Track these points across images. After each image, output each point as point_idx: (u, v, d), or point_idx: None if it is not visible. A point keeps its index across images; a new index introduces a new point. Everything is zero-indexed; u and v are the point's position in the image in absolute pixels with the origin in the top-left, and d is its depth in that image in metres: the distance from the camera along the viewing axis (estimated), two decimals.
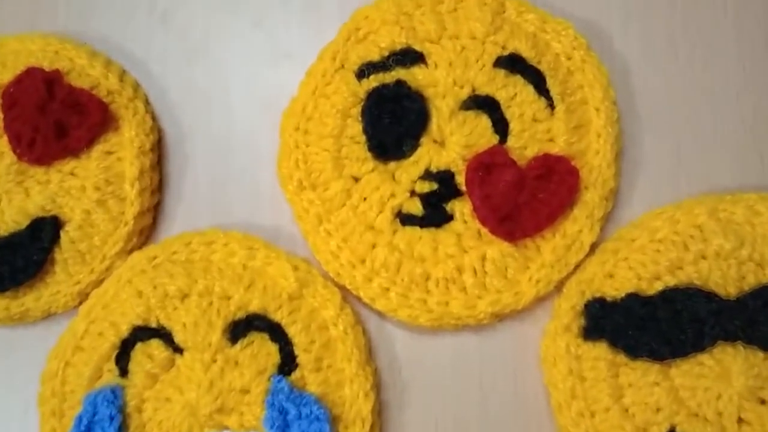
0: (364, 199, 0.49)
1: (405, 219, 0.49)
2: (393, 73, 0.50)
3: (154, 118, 0.54)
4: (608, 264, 0.48)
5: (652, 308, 0.46)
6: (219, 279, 0.48)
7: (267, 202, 0.53)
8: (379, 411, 0.48)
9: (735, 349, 0.45)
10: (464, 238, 0.48)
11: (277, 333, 0.47)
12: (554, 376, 0.47)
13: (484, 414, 0.48)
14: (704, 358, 0.45)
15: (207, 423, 0.46)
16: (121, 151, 0.52)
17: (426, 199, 0.49)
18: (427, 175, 0.49)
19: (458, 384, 0.49)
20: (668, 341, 0.45)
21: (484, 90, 0.50)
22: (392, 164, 0.49)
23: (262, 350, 0.47)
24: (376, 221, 0.49)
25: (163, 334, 0.48)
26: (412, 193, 0.49)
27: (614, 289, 0.47)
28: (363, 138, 0.50)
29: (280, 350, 0.47)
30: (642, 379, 0.45)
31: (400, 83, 0.49)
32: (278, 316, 0.47)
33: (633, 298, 0.46)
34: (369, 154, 0.49)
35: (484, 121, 0.49)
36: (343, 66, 0.51)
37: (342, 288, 0.49)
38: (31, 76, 0.51)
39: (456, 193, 0.49)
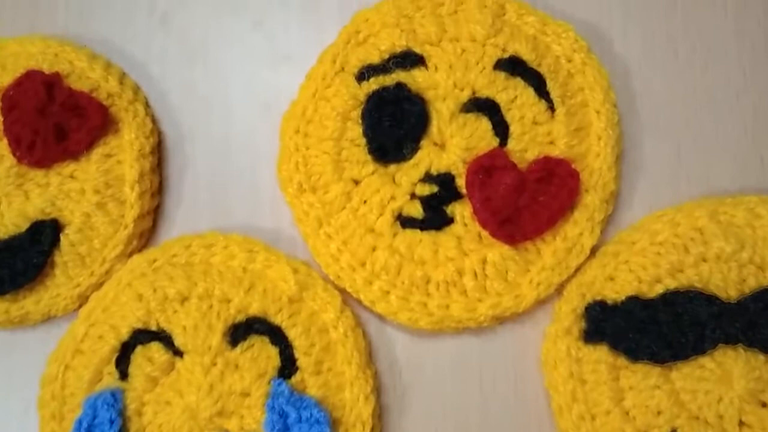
0: (365, 201, 0.49)
1: (405, 222, 0.49)
2: (393, 75, 0.50)
3: (154, 121, 0.54)
4: (609, 267, 0.48)
5: (653, 311, 0.46)
6: (219, 282, 0.48)
7: (267, 205, 0.53)
8: (379, 414, 0.48)
9: (736, 352, 0.45)
10: (465, 241, 0.48)
11: (277, 336, 0.47)
12: (555, 379, 0.47)
13: (485, 417, 0.48)
14: (705, 361, 0.45)
15: (207, 426, 0.46)
16: (121, 154, 0.52)
17: (426, 201, 0.49)
18: (428, 178, 0.49)
19: (458, 387, 0.49)
20: (669, 344, 0.45)
21: (484, 92, 0.50)
22: (392, 167, 0.49)
23: (262, 353, 0.47)
24: (376, 224, 0.49)
25: (163, 337, 0.48)
26: (413, 195, 0.49)
27: (615, 292, 0.47)
28: (363, 141, 0.49)
29: (281, 353, 0.47)
30: (643, 382, 0.45)
31: (400, 86, 0.49)
32: (278, 319, 0.47)
33: (633, 301, 0.46)
34: (369, 157, 0.49)
35: (485, 124, 0.49)
36: (343, 69, 0.51)
37: (342, 291, 0.49)
38: (30, 78, 0.51)
39: (456, 196, 0.49)
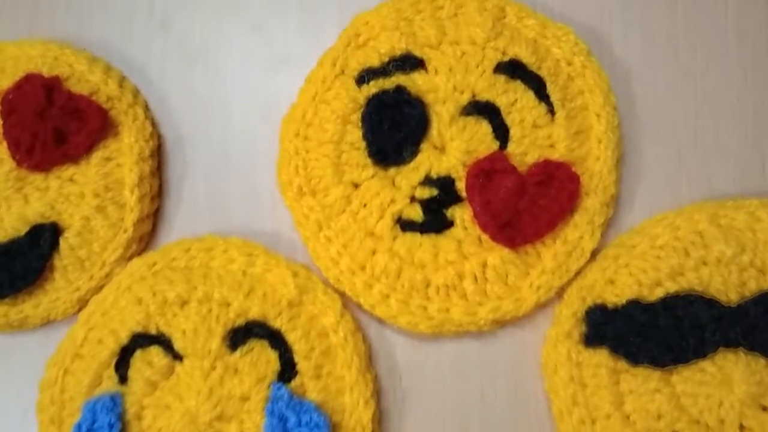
0: (364, 205, 0.49)
1: (405, 225, 0.49)
2: (393, 78, 0.50)
3: (153, 124, 0.54)
4: (609, 270, 0.48)
5: (653, 315, 0.45)
6: (218, 286, 0.48)
7: (267, 208, 0.53)
8: (379, 418, 0.48)
9: (736, 355, 0.45)
10: (465, 244, 0.48)
11: (276, 340, 0.47)
12: (555, 383, 0.47)
13: (485, 421, 0.48)
14: (706, 364, 0.45)
15: (207, 431, 0.46)
16: (121, 158, 0.51)
17: (426, 205, 0.49)
18: (428, 181, 0.49)
19: (459, 391, 0.49)
20: (669, 348, 0.45)
21: (484, 96, 0.50)
22: (392, 170, 0.49)
23: (261, 357, 0.47)
24: (376, 227, 0.49)
25: (163, 341, 0.48)
26: (413, 199, 0.49)
27: (615, 296, 0.47)
28: (363, 144, 0.49)
29: (280, 357, 0.47)
30: (643, 386, 0.45)
31: (400, 89, 0.49)
32: (278, 323, 0.47)
33: (634, 304, 0.46)
34: (369, 160, 0.49)
35: (485, 127, 0.49)
36: (342, 72, 0.51)
37: (342, 294, 0.49)
38: (30, 82, 0.51)
39: (456, 199, 0.49)
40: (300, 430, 0.45)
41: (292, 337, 0.47)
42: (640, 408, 0.45)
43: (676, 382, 0.45)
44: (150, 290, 0.48)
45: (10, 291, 0.50)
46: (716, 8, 0.53)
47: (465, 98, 0.50)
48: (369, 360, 0.49)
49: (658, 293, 0.46)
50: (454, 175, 0.49)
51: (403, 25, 0.51)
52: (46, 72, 0.52)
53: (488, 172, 0.48)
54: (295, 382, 0.46)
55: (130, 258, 0.51)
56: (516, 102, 0.49)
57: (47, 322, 0.51)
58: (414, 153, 0.49)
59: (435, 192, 0.49)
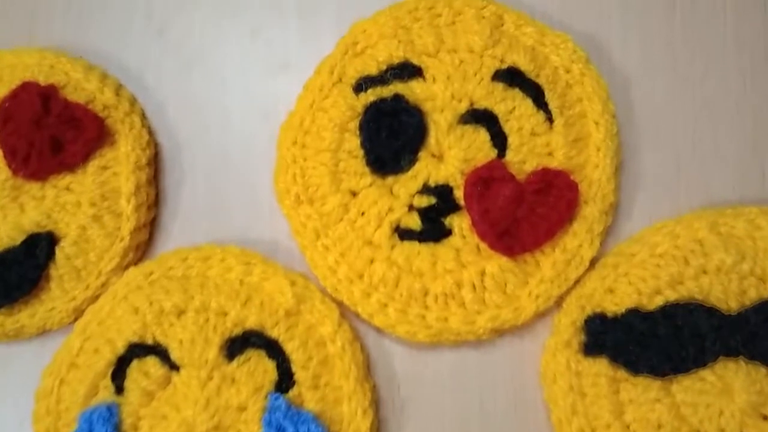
0: (362, 213, 0.49)
1: (403, 234, 0.49)
2: (391, 87, 0.50)
3: (150, 133, 0.54)
4: (608, 279, 0.47)
5: (653, 324, 0.45)
6: (215, 295, 0.48)
7: (264, 217, 0.52)
8: (377, 428, 0.48)
9: (737, 364, 0.45)
10: (463, 252, 0.48)
11: (274, 350, 0.47)
12: (554, 392, 0.46)
13: (484, 431, 0.48)
14: (706, 374, 0.45)
15: None
16: (117, 166, 0.51)
17: (424, 213, 0.49)
18: (426, 190, 0.49)
19: (457, 400, 0.49)
20: (669, 357, 0.45)
21: (482, 104, 0.49)
22: (390, 178, 0.49)
23: (259, 367, 0.47)
24: (374, 236, 0.48)
25: (160, 351, 0.47)
26: (411, 207, 0.49)
27: (614, 305, 0.47)
28: (361, 152, 0.49)
29: (278, 367, 0.47)
30: (643, 395, 0.45)
31: (397, 97, 0.49)
32: (275, 333, 0.47)
33: (633, 313, 0.46)
34: (367, 169, 0.49)
35: (483, 135, 0.49)
36: (340, 80, 0.51)
37: (340, 304, 0.49)
38: (26, 90, 0.51)
39: (455, 208, 0.49)
40: None
41: (290, 347, 0.47)
42: (640, 417, 0.45)
43: (676, 391, 0.45)
44: (147, 300, 0.48)
45: (5, 300, 0.50)
46: (715, 15, 0.53)
47: (463, 106, 0.49)
48: (367, 369, 0.49)
49: (658, 302, 0.46)
50: (452, 184, 0.49)
51: (401, 33, 0.51)
52: (42, 80, 0.52)
53: (486, 181, 0.47)
54: (292, 392, 0.46)
55: (127, 267, 0.51)
56: (514, 110, 0.49)
57: (43, 332, 0.51)
58: (412, 161, 0.49)
59: (433, 200, 0.49)
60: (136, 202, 0.51)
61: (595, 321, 0.46)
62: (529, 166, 0.49)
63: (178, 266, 0.50)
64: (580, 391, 0.46)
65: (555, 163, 0.48)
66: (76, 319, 0.50)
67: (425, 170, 0.49)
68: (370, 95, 0.50)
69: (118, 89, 0.54)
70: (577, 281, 0.48)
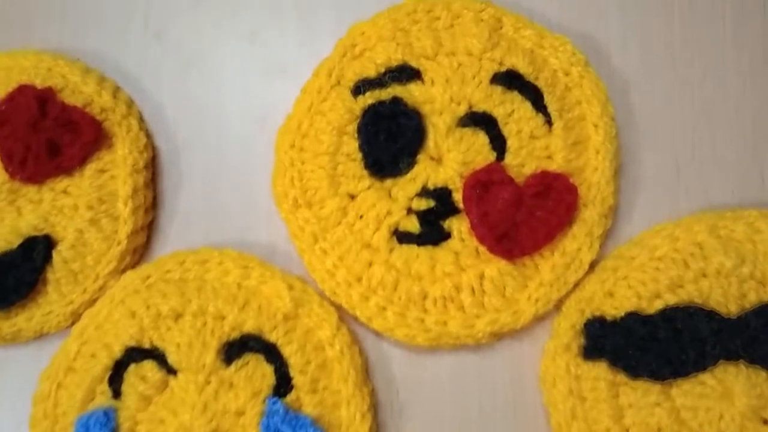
0: (361, 217, 0.49)
1: (402, 237, 0.48)
2: (389, 89, 0.50)
3: (148, 135, 0.54)
4: (608, 282, 0.47)
5: (653, 327, 0.45)
6: (213, 299, 0.48)
7: (262, 220, 0.52)
8: None
9: (737, 368, 0.44)
10: (462, 256, 0.48)
11: (272, 354, 0.47)
12: (554, 396, 0.46)
13: None
14: (706, 377, 0.45)
15: None
16: (115, 170, 0.51)
17: (423, 216, 0.48)
18: (424, 193, 0.49)
19: (456, 404, 0.48)
20: (669, 361, 0.44)
21: (481, 107, 0.49)
22: (389, 181, 0.49)
23: (257, 371, 0.46)
24: (372, 239, 0.48)
25: (157, 355, 0.47)
26: (409, 210, 0.49)
27: (614, 308, 0.47)
28: (359, 155, 0.49)
29: (276, 371, 0.46)
30: (643, 399, 0.45)
31: (396, 100, 0.49)
32: (273, 337, 0.47)
33: (633, 317, 0.46)
34: (365, 172, 0.49)
35: (482, 138, 0.49)
36: (339, 82, 0.51)
37: (338, 307, 0.49)
38: (23, 93, 0.51)
39: (453, 211, 0.48)
40: None
41: (288, 351, 0.47)
42: (640, 421, 0.45)
43: (676, 395, 0.45)
44: (144, 303, 0.48)
45: (2, 304, 0.50)
46: (714, 18, 0.53)
47: (462, 109, 0.49)
48: (366, 373, 0.48)
49: (658, 305, 0.46)
50: (451, 187, 0.48)
51: (400, 36, 0.51)
52: (39, 83, 0.52)
53: (485, 184, 0.47)
54: (290, 397, 0.46)
55: (124, 271, 0.51)
56: (513, 113, 0.49)
57: (40, 336, 0.51)
58: (410, 164, 0.49)
59: (432, 203, 0.48)
60: (134, 206, 0.50)
61: (594, 324, 0.46)
62: (528, 169, 0.48)
63: (176, 270, 0.49)
64: (579, 395, 0.46)
65: (554, 166, 0.48)
66: (73, 323, 0.50)
67: (424, 173, 0.49)
68: (369, 98, 0.50)
69: (116, 92, 0.53)
70: (577, 284, 0.48)
